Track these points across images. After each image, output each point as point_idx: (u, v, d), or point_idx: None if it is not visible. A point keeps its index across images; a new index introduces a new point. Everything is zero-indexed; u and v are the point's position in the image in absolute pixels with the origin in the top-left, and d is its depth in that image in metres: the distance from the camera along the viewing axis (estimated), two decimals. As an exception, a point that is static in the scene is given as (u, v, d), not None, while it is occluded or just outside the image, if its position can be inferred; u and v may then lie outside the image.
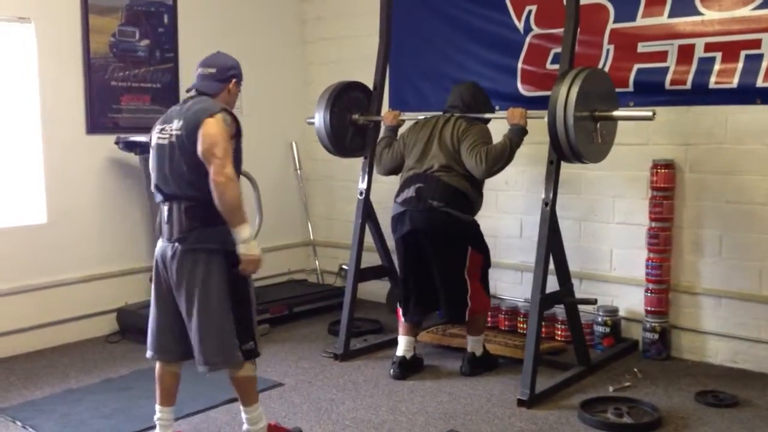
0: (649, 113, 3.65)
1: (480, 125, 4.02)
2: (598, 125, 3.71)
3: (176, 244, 2.99)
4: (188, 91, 3.16)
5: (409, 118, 4.39)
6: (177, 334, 3.10)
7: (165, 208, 3.04)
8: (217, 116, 2.94)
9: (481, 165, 3.82)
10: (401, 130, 4.35)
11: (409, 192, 3.95)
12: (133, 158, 5.00)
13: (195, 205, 2.97)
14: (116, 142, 4.86)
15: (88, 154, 4.85)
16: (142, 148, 4.88)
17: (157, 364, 3.19)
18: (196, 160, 2.92)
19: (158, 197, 3.09)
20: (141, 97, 5.09)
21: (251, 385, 3.13)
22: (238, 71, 3.16)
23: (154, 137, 3.08)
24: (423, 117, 4.23)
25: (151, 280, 3.17)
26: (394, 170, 4.25)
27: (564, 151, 3.67)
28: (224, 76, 3.11)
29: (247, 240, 2.94)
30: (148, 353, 3.19)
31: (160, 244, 3.08)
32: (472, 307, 3.98)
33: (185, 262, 2.98)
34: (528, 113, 3.94)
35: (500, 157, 3.82)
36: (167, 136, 3.00)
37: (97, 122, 4.87)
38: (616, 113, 3.76)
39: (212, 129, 2.90)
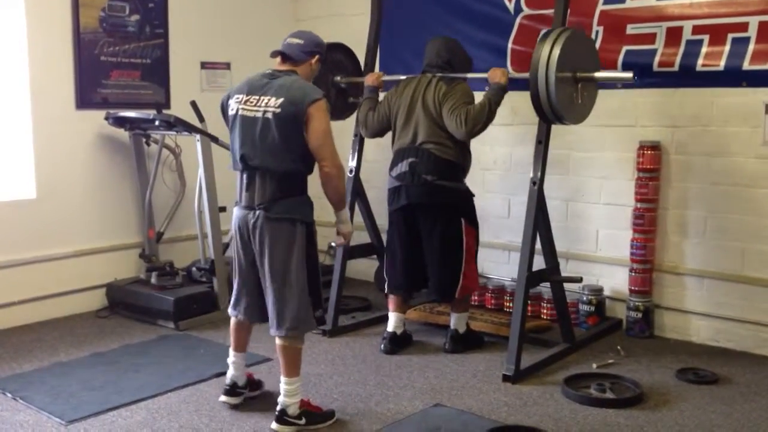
0: (629, 74, 3.69)
1: (460, 84, 3.98)
2: (579, 86, 3.74)
3: (258, 211, 3.10)
4: (274, 55, 3.22)
5: (391, 79, 4.40)
6: (257, 298, 3.27)
7: (245, 176, 3.16)
8: (321, 105, 3.05)
9: (461, 127, 3.82)
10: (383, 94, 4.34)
11: (403, 166, 3.98)
12: (122, 134, 5.00)
13: (283, 177, 3.10)
14: (106, 118, 4.86)
15: (78, 129, 4.84)
16: (132, 124, 4.89)
17: (234, 319, 3.39)
18: (294, 139, 3.04)
19: (239, 166, 3.17)
20: (131, 72, 5.07)
21: (298, 355, 3.22)
22: (322, 50, 3.29)
23: (235, 105, 3.15)
24: (405, 78, 4.21)
25: (231, 246, 3.31)
26: (380, 133, 4.27)
27: (544, 110, 3.69)
28: (310, 49, 3.21)
29: (347, 220, 3.33)
30: (231, 311, 3.39)
31: (238, 211, 3.21)
32: (465, 284, 4.02)
33: (268, 230, 3.11)
34: (510, 73, 3.95)
35: (480, 119, 3.81)
36: (258, 110, 3.07)
37: (86, 97, 4.86)
38: (597, 74, 3.78)
39: (322, 125, 3.05)
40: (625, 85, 4.41)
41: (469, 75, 4.11)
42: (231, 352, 3.43)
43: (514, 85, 4.33)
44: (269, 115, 3.04)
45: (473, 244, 4.07)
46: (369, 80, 4.39)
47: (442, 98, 3.92)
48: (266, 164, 3.09)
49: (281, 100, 3.04)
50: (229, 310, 3.41)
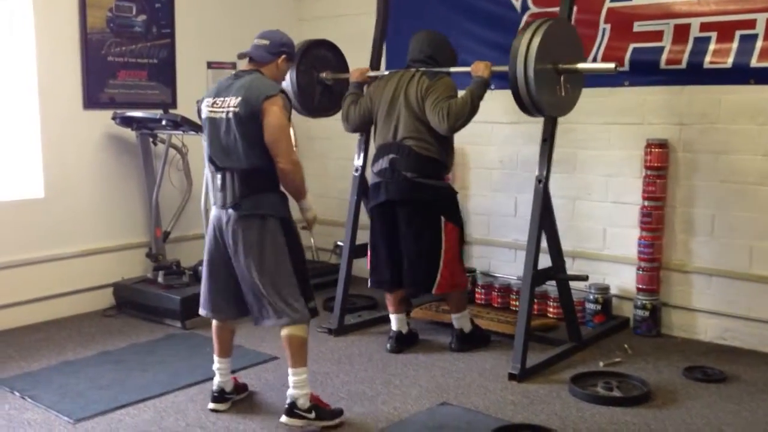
0: (611, 65, 3.62)
1: (443, 78, 3.91)
2: (562, 78, 3.66)
3: (230, 210, 3.15)
4: (240, 57, 3.29)
5: (376, 74, 4.37)
6: (230, 296, 3.29)
7: (218, 177, 3.19)
8: (277, 100, 3.08)
9: (443, 122, 3.77)
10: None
11: (383, 163, 3.97)
12: (129, 134, 5.02)
13: (248, 175, 3.13)
14: (113, 118, 4.88)
15: (85, 129, 4.86)
16: (139, 124, 4.91)
17: (214, 322, 3.41)
18: (253, 136, 3.09)
19: (211, 167, 3.23)
20: (138, 72, 5.09)
21: (302, 346, 3.23)
22: (290, 50, 3.32)
23: (204, 110, 3.22)
24: (388, 72, 4.18)
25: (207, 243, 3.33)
26: (361, 127, 4.27)
27: (524, 103, 3.62)
28: (276, 50, 3.25)
29: (310, 207, 3.33)
30: (202, 311, 3.40)
31: (214, 211, 3.25)
32: (442, 282, 3.95)
33: (240, 228, 3.15)
34: (492, 67, 3.87)
35: (462, 113, 3.75)
36: (222, 110, 3.13)
37: (93, 97, 4.88)
38: (579, 66, 3.69)
39: (276, 119, 3.06)
40: (632, 82, 4.40)
41: (452, 69, 4.01)
42: (215, 358, 3.41)
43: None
44: (230, 115, 3.10)
45: (455, 242, 3.99)
46: (354, 76, 4.36)
47: (425, 92, 3.86)
48: (232, 163, 3.14)
49: (239, 99, 3.09)
50: (200, 311, 3.40)
